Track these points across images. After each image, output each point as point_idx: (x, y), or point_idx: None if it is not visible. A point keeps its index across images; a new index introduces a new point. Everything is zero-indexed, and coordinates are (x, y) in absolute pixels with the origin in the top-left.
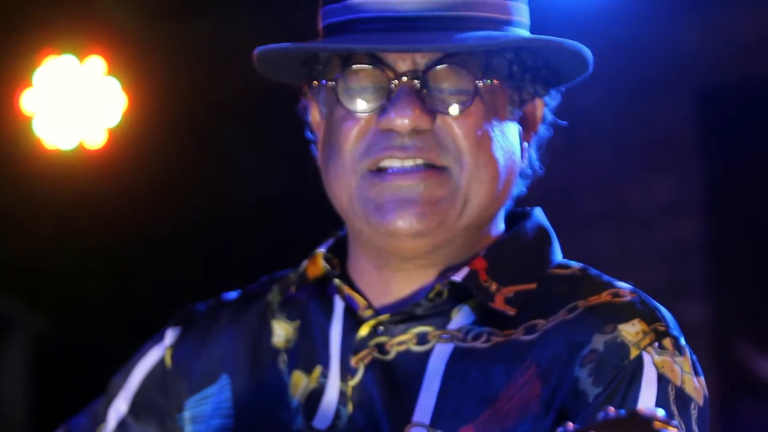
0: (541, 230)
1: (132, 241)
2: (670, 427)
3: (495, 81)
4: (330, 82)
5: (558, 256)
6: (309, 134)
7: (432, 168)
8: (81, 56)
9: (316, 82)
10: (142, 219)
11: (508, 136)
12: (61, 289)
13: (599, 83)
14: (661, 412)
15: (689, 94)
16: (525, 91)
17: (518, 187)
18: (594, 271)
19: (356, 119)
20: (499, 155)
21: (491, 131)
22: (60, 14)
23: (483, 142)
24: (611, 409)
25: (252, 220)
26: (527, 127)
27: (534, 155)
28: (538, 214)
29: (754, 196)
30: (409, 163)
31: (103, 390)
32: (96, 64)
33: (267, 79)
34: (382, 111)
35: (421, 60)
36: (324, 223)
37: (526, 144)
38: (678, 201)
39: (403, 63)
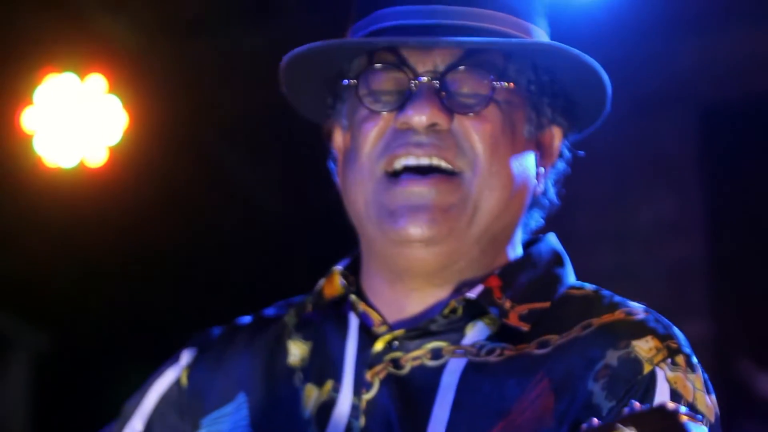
0: (555, 253)
1: (133, 259)
2: (695, 420)
3: (511, 84)
4: (353, 81)
5: (571, 278)
6: (331, 164)
7: (444, 175)
8: (82, 74)
9: (340, 79)
10: (143, 237)
11: (523, 153)
12: (61, 306)
13: None
14: (684, 408)
15: (689, 113)
16: (543, 114)
17: (535, 219)
18: (607, 292)
19: (376, 119)
20: (513, 166)
21: (507, 141)
22: (60, 32)
23: (498, 150)
24: (636, 404)
25: (252, 236)
26: (544, 154)
27: (551, 186)
28: (552, 238)
29: (755, 213)
30: (425, 161)
31: (102, 405)
32: (97, 82)
33: (267, 97)
34: (400, 110)
35: (441, 62)
36: (323, 238)
37: (542, 169)
38: (678, 219)
39: (423, 65)
